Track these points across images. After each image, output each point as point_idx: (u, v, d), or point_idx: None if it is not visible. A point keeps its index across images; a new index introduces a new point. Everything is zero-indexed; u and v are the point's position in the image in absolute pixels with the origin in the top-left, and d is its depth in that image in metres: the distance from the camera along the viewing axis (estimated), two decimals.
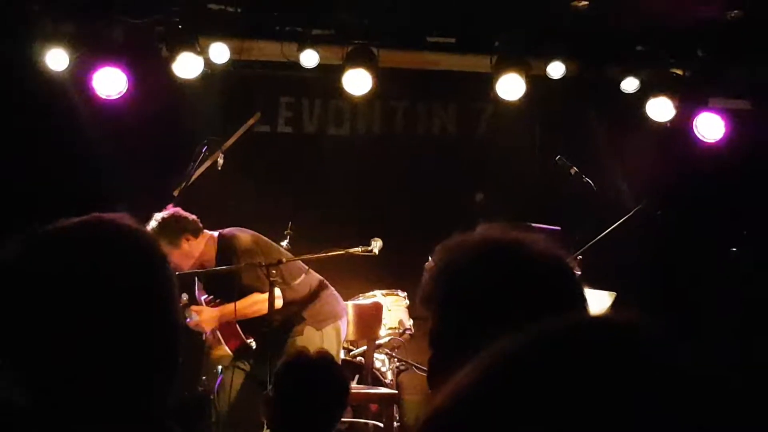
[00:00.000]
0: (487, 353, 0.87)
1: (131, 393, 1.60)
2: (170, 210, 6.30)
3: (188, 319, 6.17)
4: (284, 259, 6.06)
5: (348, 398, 3.98)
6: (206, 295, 6.45)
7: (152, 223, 6.16)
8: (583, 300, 1.91)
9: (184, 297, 6.20)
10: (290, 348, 6.17)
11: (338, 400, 3.83)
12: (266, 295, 6.02)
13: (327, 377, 3.77)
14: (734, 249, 7.97)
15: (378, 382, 6.90)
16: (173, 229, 6.22)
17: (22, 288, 1.60)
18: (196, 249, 6.32)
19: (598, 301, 6.40)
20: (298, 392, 3.73)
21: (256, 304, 6.21)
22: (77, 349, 1.56)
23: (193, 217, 6.35)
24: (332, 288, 6.61)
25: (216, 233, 6.43)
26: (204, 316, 6.24)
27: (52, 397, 1.56)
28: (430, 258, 6.03)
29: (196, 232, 6.32)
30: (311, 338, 6.32)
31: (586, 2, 6.76)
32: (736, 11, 6.89)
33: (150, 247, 1.71)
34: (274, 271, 5.82)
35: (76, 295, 1.58)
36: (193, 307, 6.28)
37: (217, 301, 6.37)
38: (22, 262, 1.63)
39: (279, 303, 6.20)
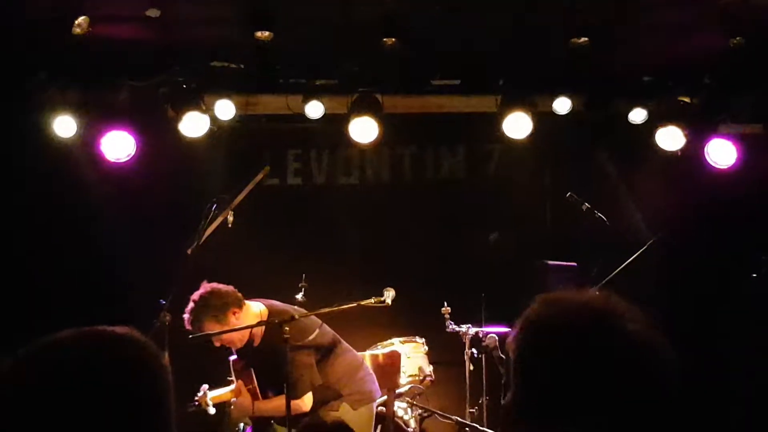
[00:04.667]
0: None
1: None
2: (206, 287, 6.21)
3: (208, 408, 6.13)
4: (297, 316, 6.01)
5: None
6: (235, 356, 6.40)
7: (194, 305, 6.11)
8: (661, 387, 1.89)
9: (204, 387, 6.18)
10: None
11: None
12: (300, 402, 6.07)
13: None
14: (755, 275, 7.87)
15: (401, 431, 6.82)
16: (217, 306, 6.13)
17: (14, 400, 1.62)
18: (245, 322, 6.21)
19: None
20: None
21: (276, 411, 6.16)
22: None
23: (231, 287, 6.26)
24: (349, 347, 6.54)
25: (264, 308, 6.33)
26: (238, 404, 6.20)
27: None
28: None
29: (239, 303, 6.21)
30: (345, 414, 6.27)
31: (586, 39, 6.74)
32: (737, 38, 6.85)
33: (151, 362, 1.73)
34: (287, 328, 5.78)
35: (71, 405, 1.61)
36: (213, 396, 6.22)
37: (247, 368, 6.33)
38: (17, 376, 1.65)
39: (309, 405, 6.18)
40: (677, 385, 1.88)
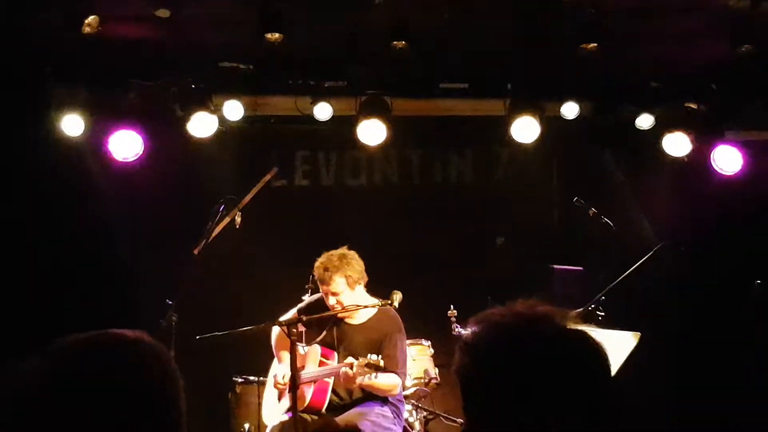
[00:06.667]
0: None
1: None
2: (350, 251, 6.34)
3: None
4: (304, 318, 6.04)
5: None
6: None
7: (337, 258, 6.23)
8: (604, 378, 1.89)
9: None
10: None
11: None
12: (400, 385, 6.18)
13: None
14: (758, 281, 7.88)
15: None
16: (357, 270, 6.29)
17: (37, 397, 1.64)
18: (361, 298, 6.34)
19: (623, 342, 6.32)
20: None
21: (389, 386, 6.18)
22: None
23: None
24: None
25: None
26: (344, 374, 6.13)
27: None
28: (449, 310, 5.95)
29: (365, 281, 6.37)
30: (385, 414, 6.31)
31: (595, 44, 6.76)
32: (746, 46, 6.87)
33: (163, 366, 1.73)
34: (294, 330, 5.80)
35: (85, 409, 1.62)
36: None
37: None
38: (42, 375, 1.67)
39: (398, 390, 6.30)
40: (616, 383, 1.89)
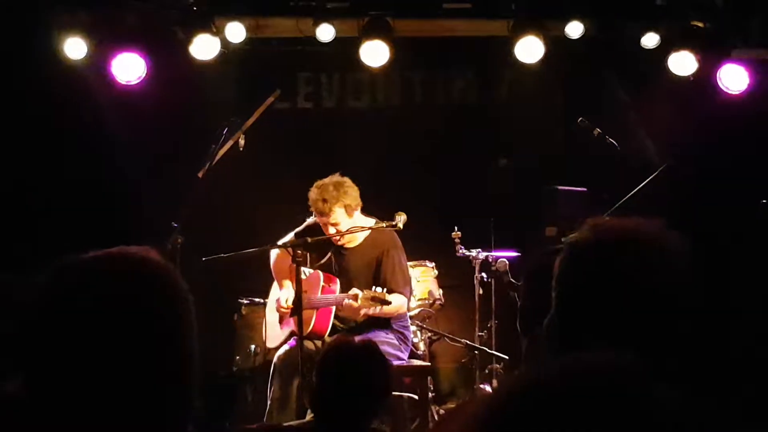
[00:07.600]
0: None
1: (143, 425, 1.62)
2: (342, 177, 6.36)
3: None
4: (309, 239, 6.06)
5: (390, 387, 3.97)
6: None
7: (333, 187, 6.24)
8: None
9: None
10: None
11: (380, 389, 3.82)
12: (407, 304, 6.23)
13: (369, 366, 3.76)
14: (764, 201, 7.87)
15: (411, 354, 6.90)
16: (354, 197, 6.32)
17: (46, 315, 1.65)
18: (358, 222, 6.38)
19: None
20: (341, 380, 3.73)
21: (395, 309, 6.24)
22: (91, 378, 1.60)
23: None
24: None
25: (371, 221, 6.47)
26: (347, 306, 6.19)
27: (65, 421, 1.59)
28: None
29: (361, 206, 6.40)
30: (391, 341, 6.36)
31: None
32: None
33: (171, 282, 1.73)
34: (299, 251, 5.82)
35: (95, 326, 1.63)
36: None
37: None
38: (50, 293, 1.68)
39: (405, 309, 6.39)
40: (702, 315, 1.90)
